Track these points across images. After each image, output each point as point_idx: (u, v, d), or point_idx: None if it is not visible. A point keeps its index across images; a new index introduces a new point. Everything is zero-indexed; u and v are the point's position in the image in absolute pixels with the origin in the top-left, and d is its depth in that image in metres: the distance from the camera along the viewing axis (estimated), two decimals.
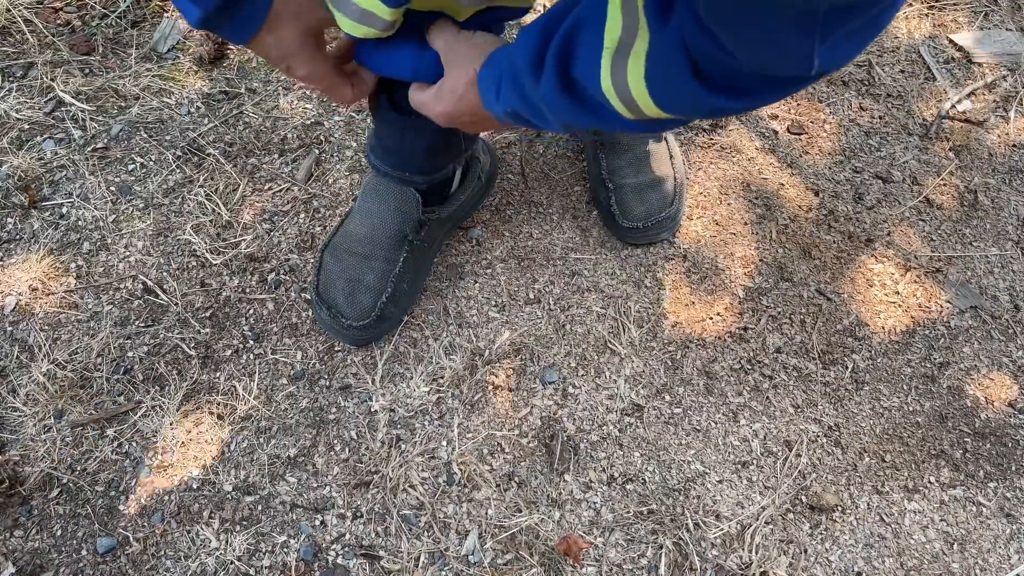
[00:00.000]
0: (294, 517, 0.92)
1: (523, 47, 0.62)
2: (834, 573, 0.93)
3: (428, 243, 1.04)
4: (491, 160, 1.12)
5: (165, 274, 1.07)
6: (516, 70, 0.63)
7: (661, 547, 0.93)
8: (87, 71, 1.24)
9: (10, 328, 1.02)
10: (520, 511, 0.94)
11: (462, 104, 0.72)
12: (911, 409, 1.05)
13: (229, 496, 0.93)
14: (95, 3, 1.29)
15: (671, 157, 1.15)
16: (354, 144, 1.20)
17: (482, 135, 1.11)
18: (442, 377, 1.02)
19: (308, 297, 1.05)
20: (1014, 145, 1.28)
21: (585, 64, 0.57)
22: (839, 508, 0.97)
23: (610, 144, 1.12)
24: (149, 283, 1.06)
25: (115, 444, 0.95)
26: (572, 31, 0.58)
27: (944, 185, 1.23)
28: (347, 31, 0.70)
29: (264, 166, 1.16)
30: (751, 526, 0.94)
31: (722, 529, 0.94)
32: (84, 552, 0.89)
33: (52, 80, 1.21)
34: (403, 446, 0.97)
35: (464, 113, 0.73)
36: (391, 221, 0.99)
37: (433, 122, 0.80)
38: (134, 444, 0.95)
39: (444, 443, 0.97)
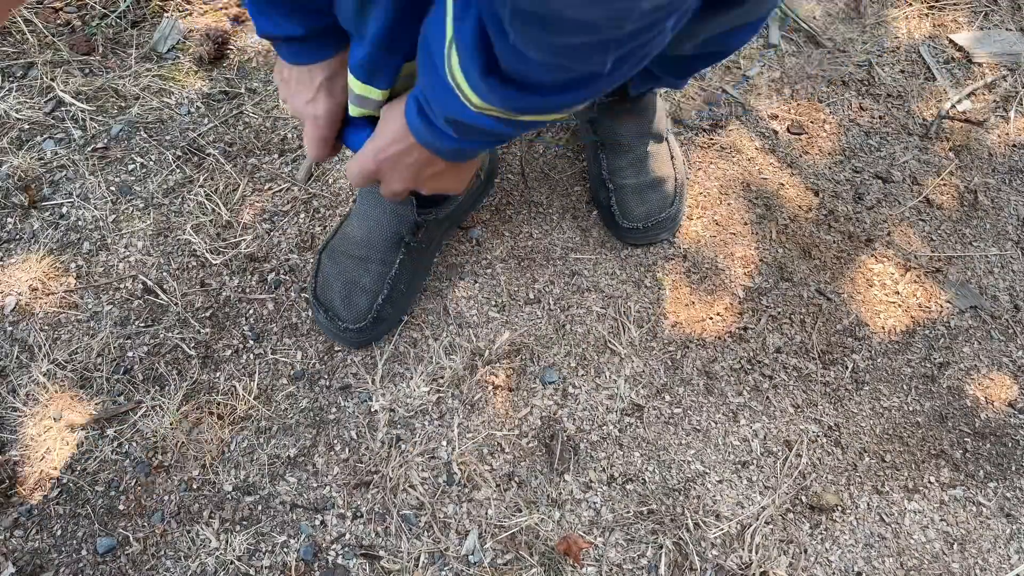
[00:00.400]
0: (294, 517, 0.92)
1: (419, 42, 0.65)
2: (834, 573, 0.93)
3: (425, 244, 1.04)
4: (490, 160, 1.12)
5: (165, 274, 1.07)
6: (420, 68, 0.66)
7: (661, 547, 0.93)
8: (87, 71, 1.24)
9: (10, 328, 1.02)
10: (520, 511, 0.94)
11: (388, 130, 0.74)
12: (911, 409, 1.05)
13: (229, 496, 0.93)
14: (95, 3, 1.29)
15: (672, 158, 1.15)
16: None
17: None
18: (442, 377, 1.02)
19: (307, 298, 1.05)
20: (1014, 145, 1.28)
21: (438, 56, 0.60)
22: (839, 508, 0.97)
23: (610, 144, 1.12)
24: (149, 283, 1.06)
25: (115, 444, 0.95)
26: (431, 24, 0.62)
27: (944, 185, 1.23)
28: (349, 112, 0.77)
29: (264, 166, 1.16)
30: (751, 526, 0.94)
31: (722, 529, 0.94)
32: (84, 552, 0.89)
33: (52, 80, 1.21)
34: (403, 446, 0.97)
35: (390, 142, 0.74)
36: (387, 223, 0.99)
37: None
38: (134, 444, 0.95)
39: (444, 443, 0.97)
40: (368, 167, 0.76)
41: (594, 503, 0.95)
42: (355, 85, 0.73)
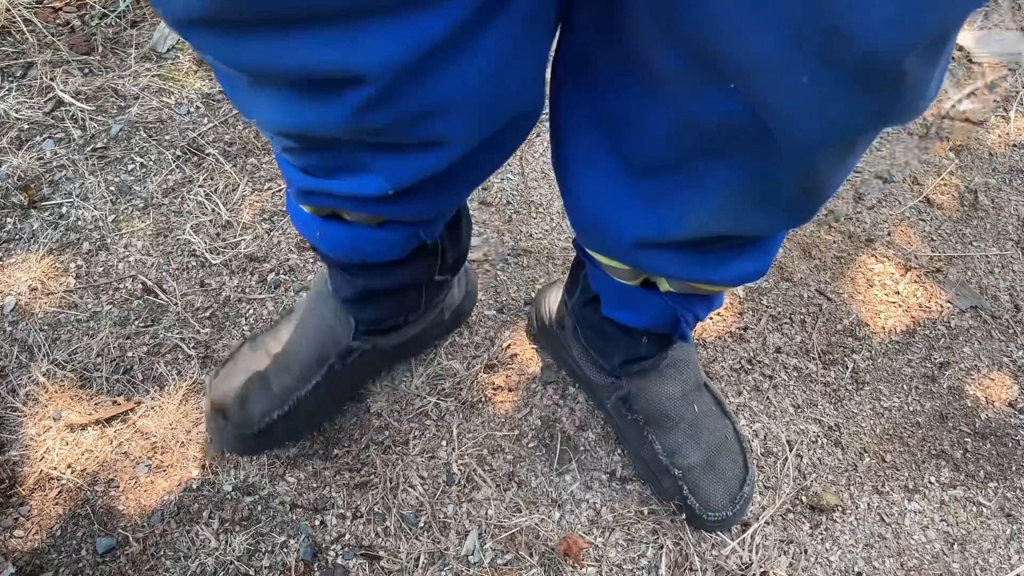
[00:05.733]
0: (294, 517, 0.92)
1: None
2: (834, 573, 0.93)
3: (353, 372, 0.91)
4: (466, 293, 0.99)
5: (165, 274, 1.07)
6: None
7: (661, 547, 0.93)
8: (87, 71, 1.23)
9: (10, 328, 1.02)
10: (520, 511, 0.94)
11: None
12: (911, 409, 1.05)
13: (229, 496, 0.93)
14: (95, 3, 1.29)
15: (717, 402, 0.95)
16: None
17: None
18: (442, 377, 1.02)
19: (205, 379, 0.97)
20: (1014, 145, 1.28)
21: None
22: (839, 508, 0.97)
23: (656, 419, 0.91)
24: (149, 283, 1.06)
25: (115, 444, 0.95)
26: None
27: (944, 185, 1.23)
28: None
29: (264, 166, 1.16)
30: (751, 526, 0.94)
31: None
32: (84, 552, 0.89)
33: (52, 80, 1.21)
34: (403, 446, 0.97)
35: None
36: (317, 336, 0.87)
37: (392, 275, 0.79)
38: (134, 444, 0.95)
39: (444, 443, 0.97)
40: None
41: (594, 503, 0.95)
42: None
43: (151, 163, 1.16)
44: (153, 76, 1.23)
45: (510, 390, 1.01)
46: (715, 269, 0.68)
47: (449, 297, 0.95)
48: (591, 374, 0.94)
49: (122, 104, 1.20)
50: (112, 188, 1.13)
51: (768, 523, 0.95)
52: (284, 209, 1.12)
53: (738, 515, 0.91)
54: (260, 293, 1.06)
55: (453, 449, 0.97)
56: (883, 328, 1.10)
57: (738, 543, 0.93)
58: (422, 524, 0.92)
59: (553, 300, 1.00)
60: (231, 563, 0.89)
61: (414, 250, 0.76)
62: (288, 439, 0.93)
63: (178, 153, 1.16)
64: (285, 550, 0.90)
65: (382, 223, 0.70)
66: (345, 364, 0.89)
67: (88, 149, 1.16)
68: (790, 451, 1.00)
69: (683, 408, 0.91)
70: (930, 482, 1.00)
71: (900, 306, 1.12)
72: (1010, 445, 1.03)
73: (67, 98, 1.20)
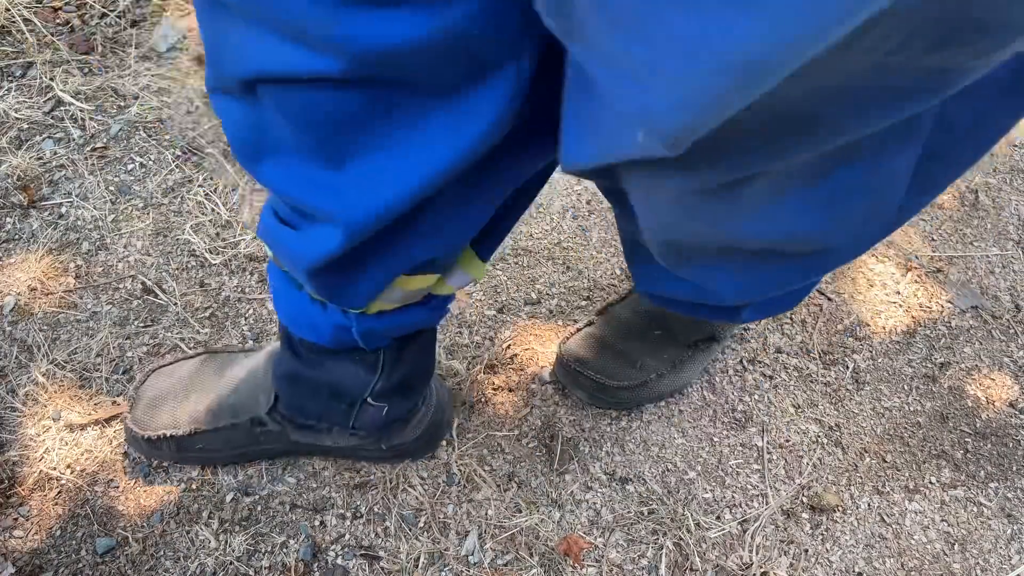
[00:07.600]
0: (294, 517, 0.92)
1: None
2: (835, 573, 0.93)
3: (260, 442, 0.89)
4: (431, 423, 0.90)
5: (164, 274, 1.07)
6: None
7: (661, 547, 0.92)
8: (86, 71, 1.23)
9: (9, 328, 1.02)
10: (520, 511, 0.94)
11: None
12: (912, 409, 1.04)
13: (228, 496, 0.93)
14: (94, 3, 1.29)
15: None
16: None
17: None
18: (442, 377, 1.01)
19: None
20: (1014, 145, 1.28)
21: None
22: (839, 508, 0.96)
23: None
24: (148, 283, 1.06)
25: (115, 444, 0.95)
26: None
27: None
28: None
29: None
30: (752, 526, 0.94)
31: (723, 529, 0.94)
32: (83, 552, 0.89)
33: (51, 80, 1.21)
34: None
35: None
36: (244, 390, 0.86)
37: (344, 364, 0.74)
38: None
39: (443, 443, 0.97)
40: None
41: (594, 503, 0.95)
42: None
43: (151, 163, 1.15)
44: (153, 76, 1.23)
45: (510, 390, 1.01)
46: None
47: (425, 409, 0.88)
48: None
49: (122, 104, 1.20)
50: (112, 188, 1.13)
51: (768, 523, 0.95)
52: None
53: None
54: (260, 293, 1.06)
55: (453, 449, 0.97)
56: (883, 328, 1.10)
57: (738, 543, 0.93)
58: (422, 524, 0.92)
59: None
60: (231, 563, 0.89)
61: (347, 349, 0.70)
62: (176, 461, 0.91)
63: (178, 153, 1.16)
64: (285, 550, 0.90)
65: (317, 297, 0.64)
66: (252, 432, 0.87)
67: (88, 149, 1.16)
68: (790, 451, 1.00)
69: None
70: (931, 482, 0.99)
71: (900, 306, 1.12)
72: (1011, 445, 1.03)
73: (67, 98, 1.19)
